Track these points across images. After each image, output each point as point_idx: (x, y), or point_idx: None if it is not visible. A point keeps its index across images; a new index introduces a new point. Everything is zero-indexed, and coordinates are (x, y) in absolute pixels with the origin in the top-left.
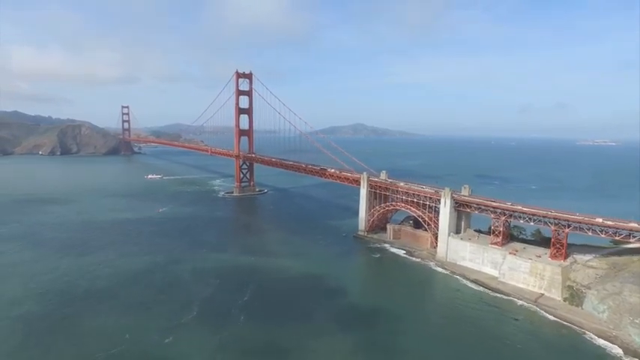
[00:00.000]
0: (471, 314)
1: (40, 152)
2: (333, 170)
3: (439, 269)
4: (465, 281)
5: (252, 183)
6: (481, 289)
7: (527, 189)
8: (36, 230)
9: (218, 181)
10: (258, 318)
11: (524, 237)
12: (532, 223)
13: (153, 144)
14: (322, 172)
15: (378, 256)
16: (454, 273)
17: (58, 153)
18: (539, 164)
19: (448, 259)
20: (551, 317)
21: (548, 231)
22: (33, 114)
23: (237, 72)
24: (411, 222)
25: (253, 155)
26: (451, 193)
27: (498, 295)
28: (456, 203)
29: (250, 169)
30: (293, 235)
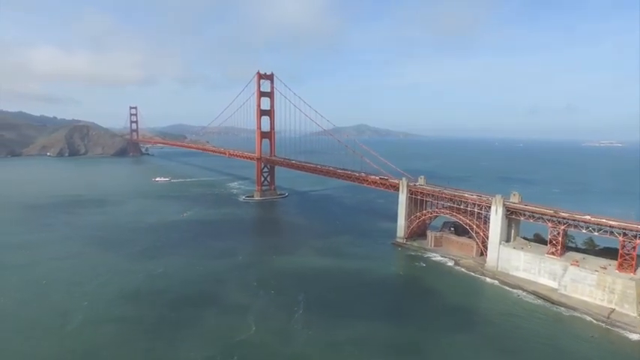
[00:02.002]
0: (541, 329)
1: (49, 153)
2: (369, 175)
3: (490, 279)
4: (521, 293)
5: (273, 186)
6: (541, 301)
7: (551, 192)
8: (84, 233)
9: (234, 183)
10: (320, 335)
11: (574, 245)
12: (596, 233)
13: (159, 145)
14: (356, 177)
15: (423, 265)
16: (508, 283)
17: (67, 154)
18: (554, 166)
19: (499, 269)
20: (632, 336)
21: (603, 240)
22: (38, 114)
23: (258, 73)
24: (452, 229)
25: (276, 158)
26: (503, 201)
27: (562, 309)
28: (508, 211)
29: (271, 172)
30: (329, 242)
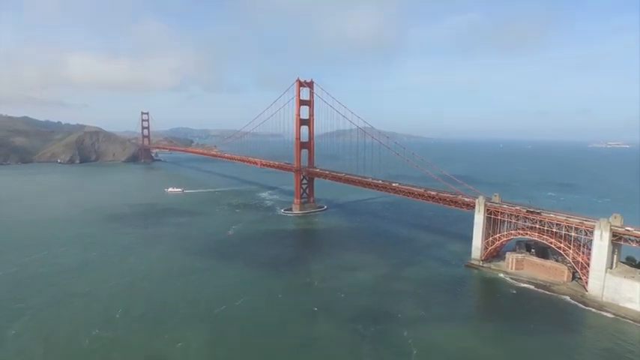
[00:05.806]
0: None
1: (59, 160)
2: (442, 193)
3: (597, 309)
4: None
5: (312, 199)
6: None
7: (598, 202)
8: (136, 253)
9: (263, 194)
10: None
11: None
12: None
13: (165, 150)
14: (421, 194)
15: (513, 291)
16: (623, 317)
17: (77, 161)
18: (577, 168)
19: (604, 299)
20: None
21: None
22: (42, 119)
23: (298, 80)
24: (532, 250)
25: (319, 170)
26: (609, 225)
27: None
28: (614, 236)
29: (310, 183)
30: (397, 262)
